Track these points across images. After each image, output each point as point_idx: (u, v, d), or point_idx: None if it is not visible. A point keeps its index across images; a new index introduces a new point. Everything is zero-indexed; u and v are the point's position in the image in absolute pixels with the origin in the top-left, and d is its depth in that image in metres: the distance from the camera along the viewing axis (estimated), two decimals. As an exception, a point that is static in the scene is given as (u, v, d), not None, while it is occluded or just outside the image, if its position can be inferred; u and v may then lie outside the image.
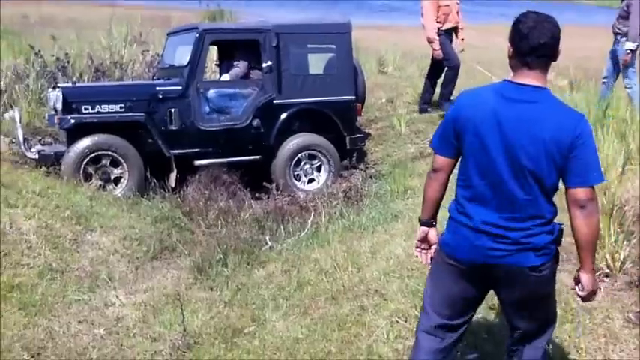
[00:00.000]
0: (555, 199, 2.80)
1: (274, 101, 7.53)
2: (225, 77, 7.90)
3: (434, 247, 3.05)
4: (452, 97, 8.46)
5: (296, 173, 7.66)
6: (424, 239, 3.07)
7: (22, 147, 7.04)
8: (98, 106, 6.91)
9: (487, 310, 4.08)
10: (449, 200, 2.98)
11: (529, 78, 2.72)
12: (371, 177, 7.80)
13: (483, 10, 8.64)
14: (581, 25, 15.13)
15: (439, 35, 8.39)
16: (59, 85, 7.33)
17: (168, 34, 8.41)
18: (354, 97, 7.96)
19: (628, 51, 8.07)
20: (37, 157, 6.96)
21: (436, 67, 8.75)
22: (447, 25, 8.50)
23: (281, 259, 5.35)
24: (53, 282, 4.85)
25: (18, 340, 4.15)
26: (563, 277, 4.53)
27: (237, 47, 7.95)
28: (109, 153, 6.82)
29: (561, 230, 2.81)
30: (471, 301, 2.95)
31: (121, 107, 7.00)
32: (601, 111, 6.90)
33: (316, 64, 8.20)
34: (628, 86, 8.27)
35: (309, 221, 6.28)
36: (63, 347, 4.16)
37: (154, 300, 4.79)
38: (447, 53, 8.48)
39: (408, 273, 4.63)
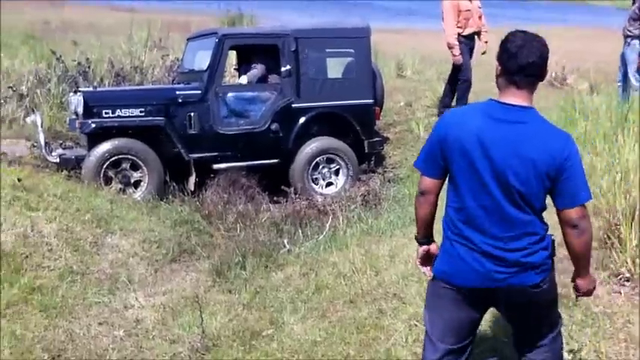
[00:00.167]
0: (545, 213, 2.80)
1: (293, 105, 7.55)
2: (243, 79, 7.93)
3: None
4: None
5: (314, 177, 7.67)
6: (426, 255, 3.03)
7: (44, 151, 7.12)
8: (119, 111, 6.97)
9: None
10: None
11: (516, 97, 2.70)
12: (389, 181, 7.79)
13: (500, 13, 8.59)
14: (601, 28, 15.03)
15: (459, 42, 8.37)
16: (80, 89, 7.40)
17: (188, 39, 8.47)
18: (372, 100, 7.96)
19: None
20: (58, 160, 7.03)
21: (457, 72, 8.73)
22: (468, 30, 8.47)
23: (299, 263, 5.36)
24: (73, 284, 4.89)
25: (39, 341, 4.20)
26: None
27: (256, 52, 7.98)
28: (129, 157, 6.87)
29: (554, 242, 2.81)
30: (476, 323, 2.91)
31: (141, 111, 7.05)
32: (622, 114, 6.83)
33: (335, 68, 8.21)
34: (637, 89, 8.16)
35: (328, 225, 6.28)
36: (83, 349, 4.20)
37: (173, 302, 4.82)
38: (462, 64, 8.46)
39: (426, 277, 4.61)
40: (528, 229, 2.70)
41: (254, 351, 4.13)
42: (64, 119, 8.25)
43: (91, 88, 7.60)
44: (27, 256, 5.01)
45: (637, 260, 4.44)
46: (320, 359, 3.97)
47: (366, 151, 7.91)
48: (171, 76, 9.50)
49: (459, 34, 8.37)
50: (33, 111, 8.23)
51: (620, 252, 4.42)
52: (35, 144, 7.48)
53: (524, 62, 2.66)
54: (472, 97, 8.54)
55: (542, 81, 2.77)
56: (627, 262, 4.44)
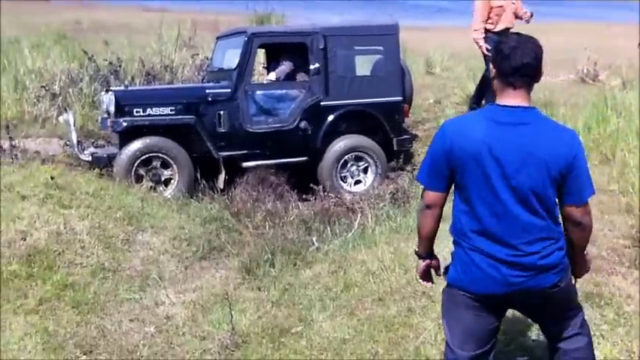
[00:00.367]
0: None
1: (321, 103, 7.56)
2: (272, 75, 7.95)
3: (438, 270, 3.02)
4: None
5: (342, 175, 7.67)
6: (427, 270, 3.01)
7: (76, 149, 7.22)
8: (149, 109, 7.04)
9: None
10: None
11: (514, 99, 2.68)
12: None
13: (532, 10, 8.52)
14: (635, 25, 14.77)
15: (487, 37, 8.27)
16: (112, 88, 7.48)
17: (218, 38, 8.52)
18: (401, 98, 7.93)
19: None
20: (90, 159, 7.13)
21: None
22: (500, 26, 8.35)
23: (328, 260, 5.36)
24: (105, 281, 4.96)
25: (71, 337, 4.27)
26: (616, 281, 4.45)
27: (284, 50, 8.00)
28: (160, 155, 6.94)
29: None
30: (495, 329, 2.86)
31: (171, 110, 7.12)
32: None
33: (364, 65, 8.20)
34: None
35: (356, 222, 6.28)
36: (114, 345, 4.26)
37: (203, 299, 4.85)
38: (488, 62, 8.35)
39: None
40: (543, 234, 2.67)
41: (283, 348, 4.15)
42: (96, 118, 8.35)
43: (122, 87, 7.69)
44: (60, 253, 5.08)
45: (671, 259, 4.38)
46: (349, 357, 3.97)
47: (395, 148, 7.88)
48: (201, 74, 9.55)
49: (489, 31, 8.26)
50: (65, 110, 8.34)
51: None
52: (68, 142, 7.58)
53: (518, 63, 2.64)
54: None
55: (537, 82, 2.74)
56: (660, 262, 4.39)
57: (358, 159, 7.71)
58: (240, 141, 7.32)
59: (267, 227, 6.20)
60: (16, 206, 5.43)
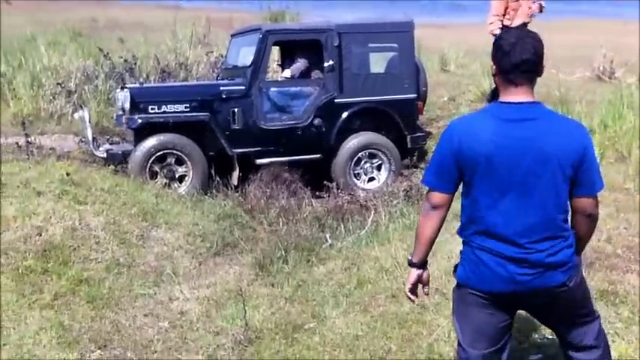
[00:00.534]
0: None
1: (336, 100, 7.56)
2: (287, 72, 7.97)
3: (426, 288, 2.94)
4: None
5: (356, 172, 7.67)
6: (417, 282, 2.92)
7: (91, 146, 7.27)
8: (164, 106, 7.07)
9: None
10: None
11: (517, 96, 2.63)
12: (432, 176, 7.72)
13: (550, 8, 8.43)
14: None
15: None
16: (127, 85, 7.53)
17: (232, 36, 8.54)
18: (415, 95, 7.92)
19: None
20: (105, 155, 7.17)
21: None
22: (517, 22, 8.28)
23: (341, 257, 5.37)
24: (120, 276, 4.98)
25: (86, 332, 4.29)
26: (631, 279, 4.42)
27: (299, 47, 8.01)
28: (174, 152, 6.97)
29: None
30: (506, 327, 2.81)
31: (186, 107, 7.14)
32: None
33: (378, 62, 8.18)
34: None
35: (370, 220, 6.28)
36: (129, 340, 4.28)
37: (217, 295, 4.87)
38: None
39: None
40: (552, 232, 2.63)
41: (296, 344, 4.15)
42: (111, 115, 8.40)
43: (137, 85, 7.74)
44: (75, 249, 5.12)
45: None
46: (362, 354, 3.97)
47: (409, 146, 7.88)
48: (216, 72, 9.59)
49: (507, 27, 8.20)
50: (81, 107, 8.39)
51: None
52: (83, 139, 7.64)
53: (518, 60, 2.59)
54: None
55: (539, 76, 2.68)
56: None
57: (372, 156, 7.70)
58: (254, 138, 7.34)
59: (280, 224, 6.21)
60: (32, 202, 5.48)
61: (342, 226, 6.23)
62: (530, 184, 2.59)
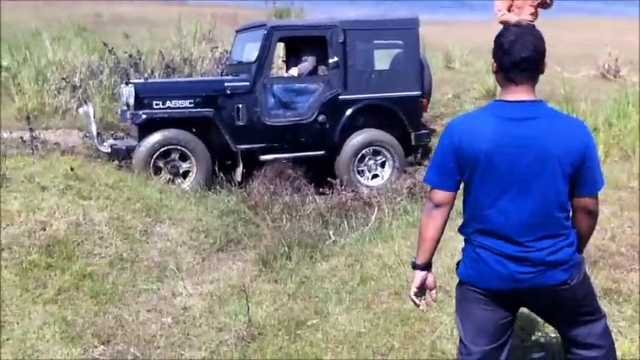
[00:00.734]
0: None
1: (340, 97, 7.55)
2: (294, 71, 7.96)
3: (433, 292, 2.91)
4: None
5: (360, 169, 7.67)
6: (423, 285, 2.88)
7: (96, 141, 7.29)
8: (169, 102, 7.08)
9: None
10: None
11: (518, 94, 2.61)
12: (436, 173, 7.71)
13: (561, 5, 8.42)
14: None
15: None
16: (131, 81, 7.54)
17: (237, 31, 8.53)
18: (420, 92, 7.91)
19: None
20: (109, 150, 7.19)
21: None
22: (525, 16, 8.21)
23: (344, 254, 5.36)
24: (123, 272, 4.99)
25: (89, 327, 4.30)
26: (635, 278, 4.41)
27: (304, 43, 8.01)
28: (179, 147, 6.98)
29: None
30: (507, 324, 2.80)
31: (190, 103, 7.15)
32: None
33: (383, 59, 8.17)
34: None
35: (373, 217, 6.28)
36: (132, 335, 4.29)
37: (220, 291, 4.88)
38: None
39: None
40: (553, 230, 2.62)
41: (299, 340, 4.15)
42: (116, 110, 8.41)
43: (142, 80, 7.73)
44: (79, 244, 5.12)
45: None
46: (364, 350, 3.97)
47: (413, 143, 7.87)
48: (220, 67, 9.59)
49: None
50: (85, 102, 8.41)
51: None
52: (87, 134, 7.65)
53: (517, 58, 2.57)
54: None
55: (541, 73, 2.66)
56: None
57: (376, 153, 7.70)
58: (258, 134, 7.34)
59: (284, 220, 6.21)
60: (36, 197, 5.49)
61: (346, 222, 6.23)
62: (530, 183, 2.58)
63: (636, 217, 5.14)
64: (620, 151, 6.61)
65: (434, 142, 8.56)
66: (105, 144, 7.36)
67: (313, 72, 7.89)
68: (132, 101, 7.00)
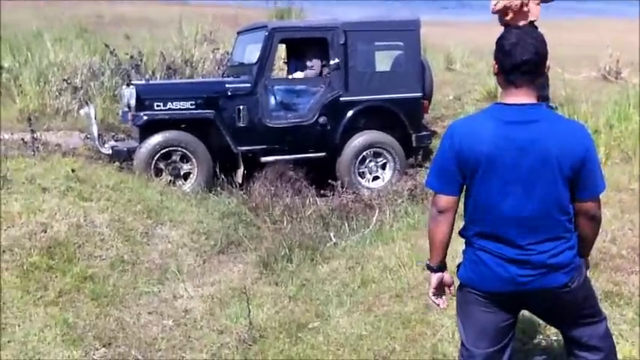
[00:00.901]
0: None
1: (341, 99, 7.55)
2: (299, 74, 7.95)
3: (452, 287, 2.92)
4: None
5: (361, 170, 7.66)
6: (441, 285, 2.89)
7: (97, 142, 7.28)
8: (170, 103, 7.07)
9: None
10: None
11: (518, 97, 2.61)
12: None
13: (554, 5, 8.37)
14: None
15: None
16: (133, 82, 7.54)
17: (238, 33, 8.53)
18: (421, 94, 7.91)
19: None
20: (110, 152, 7.19)
21: None
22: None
23: (345, 256, 5.36)
24: (124, 274, 5.00)
25: (90, 329, 4.30)
26: (636, 280, 4.41)
27: (305, 45, 8.00)
28: (180, 149, 6.98)
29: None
30: (508, 326, 2.80)
31: (191, 104, 7.14)
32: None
33: (384, 61, 8.17)
34: None
35: (374, 219, 6.27)
36: (133, 337, 4.29)
37: (221, 293, 4.88)
38: None
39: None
40: (554, 233, 2.62)
41: (300, 343, 4.15)
42: (117, 112, 8.41)
43: (143, 81, 7.73)
44: (80, 246, 5.13)
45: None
46: (365, 353, 3.97)
47: (414, 145, 7.86)
48: (221, 69, 9.59)
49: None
50: (87, 103, 8.41)
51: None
52: (88, 136, 7.65)
53: (518, 60, 2.57)
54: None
55: (542, 75, 2.66)
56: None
57: (377, 155, 7.70)
58: (259, 136, 7.34)
59: (285, 222, 6.20)
60: (37, 198, 5.49)
61: (347, 225, 6.23)
62: (531, 186, 2.58)
63: (637, 220, 5.13)
64: (620, 153, 6.60)
65: (435, 143, 8.55)
66: (106, 145, 7.35)
67: (319, 75, 7.89)
68: (133, 102, 7.00)
